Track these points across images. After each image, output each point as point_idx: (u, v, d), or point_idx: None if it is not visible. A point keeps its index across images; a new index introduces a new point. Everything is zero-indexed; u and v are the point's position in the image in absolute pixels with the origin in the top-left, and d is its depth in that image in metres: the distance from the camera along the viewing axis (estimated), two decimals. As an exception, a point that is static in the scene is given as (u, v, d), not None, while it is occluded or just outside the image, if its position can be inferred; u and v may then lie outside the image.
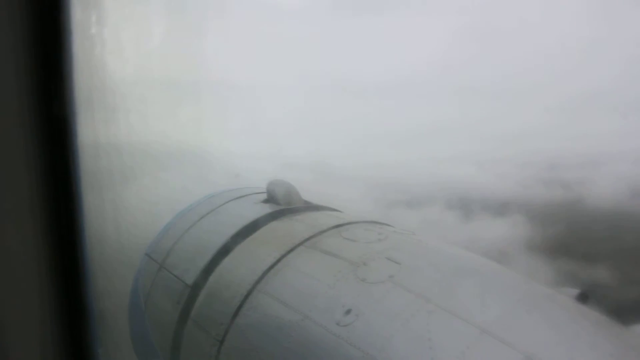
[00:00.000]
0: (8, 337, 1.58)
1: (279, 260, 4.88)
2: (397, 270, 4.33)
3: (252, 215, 5.66)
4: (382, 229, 5.28)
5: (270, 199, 6.03)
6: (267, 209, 5.83)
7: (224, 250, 5.27)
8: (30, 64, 1.52)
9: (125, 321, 5.93)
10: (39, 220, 1.61)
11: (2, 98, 1.49)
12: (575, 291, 4.18)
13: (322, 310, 4.25)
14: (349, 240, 4.96)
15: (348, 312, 4.10)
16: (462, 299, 3.97)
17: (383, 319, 3.96)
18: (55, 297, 1.68)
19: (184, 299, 5.18)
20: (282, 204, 5.90)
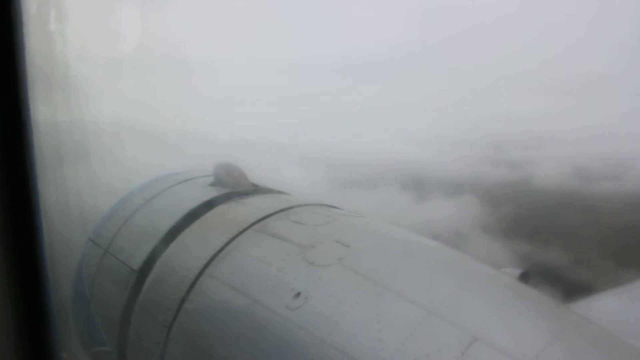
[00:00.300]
0: None
1: (227, 245, 4.85)
2: (346, 253, 4.35)
3: (199, 198, 5.59)
4: (330, 211, 5.30)
5: (217, 182, 5.96)
6: (214, 192, 5.76)
7: (171, 235, 5.20)
8: None
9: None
10: None
11: None
12: (517, 271, 4.28)
13: (271, 294, 4.25)
14: (297, 224, 4.96)
15: (297, 295, 4.12)
16: (410, 281, 4.02)
17: (332, 301, 3.99)
18: (15, 299, 1.63)
19: (130, 284, 5.10)
20: (230, 187, 5.85)
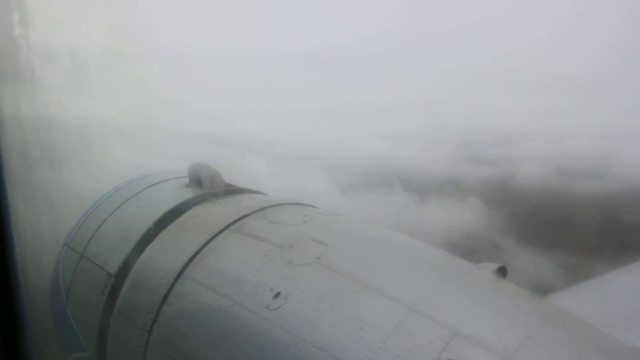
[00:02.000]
0: None
1: (204, 246, 4.83)
2: (324, 252, 4.36)
3: (174, 200, 5.55)
4: (307, 210, 5.30)
5: (193, 183, 5.93)
6: (189, 193, 5.73)
7: (148, 237, 5.16)
8: None
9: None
10: None
11: None
12: (495, 265, 4.32)
13: (250, 294, 4.24)
14: (275, 223, 4.95)
15: (277, 295, 4.12)
16: (389, 278, 4.04)
17: (312, 300, 3.99)
18: None
19: (108, 288, 5.05)
20: (205, 188, 5.81)
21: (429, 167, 52.24)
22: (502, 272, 4.28)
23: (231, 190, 5.93)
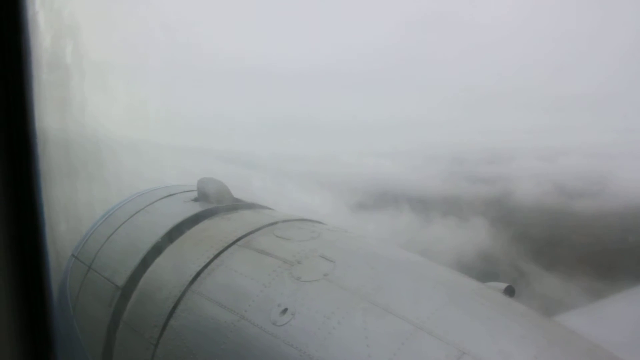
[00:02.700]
0: None
1: (212, 260, 4.82)
2: (332, 268, 4.36)
3: (183, 214, 5.55)
4: (315, 226, 5.30)
5: (201, 197, 5.94)
6: (197, 207, 5.74)
7: (155, 251, 5.16)
8: None
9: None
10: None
11: None
12: (503, 285, 4.32)
13: (258, 310, 4.23)
14: (283, 239, 4.95)
15: (284, 311, 4.11)
16: (396, 296, 4.04)
17: (319, 317, 3.98)
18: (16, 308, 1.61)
19: (115, 301, 5.05)
20: (213, 202, 5.83)
21: (424, 185, 51.66)
22: (510, 291, 4.27)
23: (239, 205, 5.93)
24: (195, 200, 5.94)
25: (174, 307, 4.63)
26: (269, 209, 6.16)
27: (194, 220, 5.47)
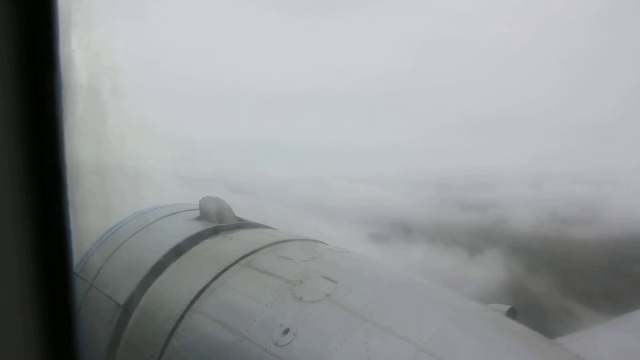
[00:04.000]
0: None
1: (214, 279, 4.82)
2: (334, 289, 4.35)
3: (184, 232, 5.56)
4: (317, 246, 5.30)
5: (203, 216, 5.95)
6: (200, 226, 5.74)
7: (157, 269, 5.15)
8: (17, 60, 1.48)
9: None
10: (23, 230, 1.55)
11: None
12: (505, 307, 4.31)
13: (259, 330, 4.22)
14: (285, 259, 4.95)
15: (286, 331, 4.09)
16: (399, 317, 4.02)
17: (321, 338, 3.97)
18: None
19: (116, 319, 5.03)
20: (215, 221, 5.83)
21: (417, 212, 51.29)
22: (512, 313, 4.26)
23: (241, 225, 5.94)
24: (198, 219, 5.95)
25: (175, 326, 4.62)
26: (271, 228, 6.16)
27: (195, 239, 5.47)
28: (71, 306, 1.76)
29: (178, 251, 5.29)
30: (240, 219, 6.09)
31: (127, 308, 5.04)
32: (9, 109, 1.46)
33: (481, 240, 42.80)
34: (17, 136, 1.48)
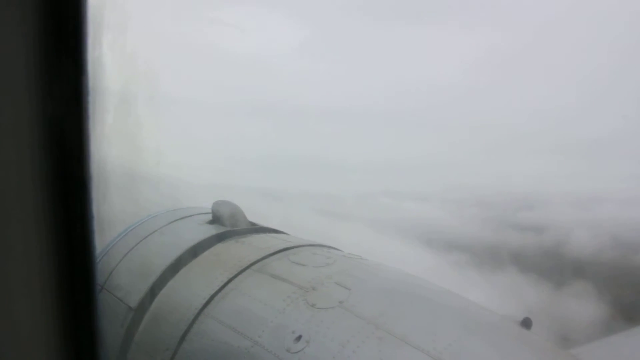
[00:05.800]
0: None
1: (226, 284, 4.80)
2: (347, 296, 4.31)
3: (197, 236, 5.55)
4: (330, 252, 5.27)
5: (216, 220, 5.95)
6: (212, 230, 5.74)
7: (169, 273, 5.15)
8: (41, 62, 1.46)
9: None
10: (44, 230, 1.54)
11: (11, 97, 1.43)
12: (520, 317, 4.26)
13: (272, 336, 4.19)
14: (298, 264, 4.92)
15: (298, 338, 4.07)
16: (413, 325, 3.98)
17: (334, 345, 3.94)
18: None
19: (127, 322, 5.02)
20: (228, 226, 5.82)
21: (468, 232, 49.32)
22: (527, 323, 4.22)
23: (254, 229, 5.93)
24: (210, 222, 5.94)
25: (187, 331, 4.60)
26: (284, 233, 6.14)
27: (208, 243, 5.46)
28: (94, 313, 1.75)
29: (190, 255, 5.29)
30: (253, 224, 6.08)
31: (139, 311, 5.03)
32: (24, 114, 1.45)
33: (554, 266, 40.81)
34: (39, 141, 1.47)
